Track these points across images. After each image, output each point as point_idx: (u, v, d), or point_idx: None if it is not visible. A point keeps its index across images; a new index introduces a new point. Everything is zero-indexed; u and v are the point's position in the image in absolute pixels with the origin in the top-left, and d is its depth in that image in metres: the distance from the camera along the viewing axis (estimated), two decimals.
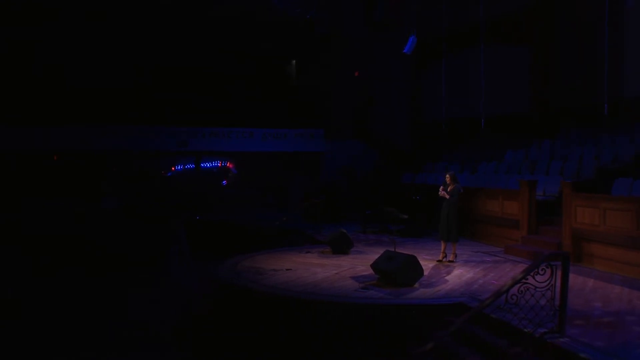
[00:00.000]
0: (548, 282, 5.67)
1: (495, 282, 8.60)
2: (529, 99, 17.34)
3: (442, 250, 10.54)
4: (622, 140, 13.06)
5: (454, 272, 9.57)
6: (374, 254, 10.01)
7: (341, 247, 11.65)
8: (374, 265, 9.03)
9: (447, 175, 10.47)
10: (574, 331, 5.91)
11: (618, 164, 11.89)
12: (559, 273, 5.76)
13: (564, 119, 16.03)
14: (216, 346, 7.63)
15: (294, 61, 23.77)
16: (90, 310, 9.31)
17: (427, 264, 9.77)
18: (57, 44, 19.30)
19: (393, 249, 9.35)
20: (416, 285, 8.48)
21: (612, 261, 9.28)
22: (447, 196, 10.26)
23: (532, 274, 5.67)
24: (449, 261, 10.40)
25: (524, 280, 5.67)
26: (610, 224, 9.27)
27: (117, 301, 9.87)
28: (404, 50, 16.94)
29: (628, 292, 7.86)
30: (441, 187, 10.43)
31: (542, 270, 5.68)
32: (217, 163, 25.61)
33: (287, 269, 9.95)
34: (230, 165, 25.84)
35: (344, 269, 9.93)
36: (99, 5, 19.04)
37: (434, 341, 5.80)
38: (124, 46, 19.83)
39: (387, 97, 21.67)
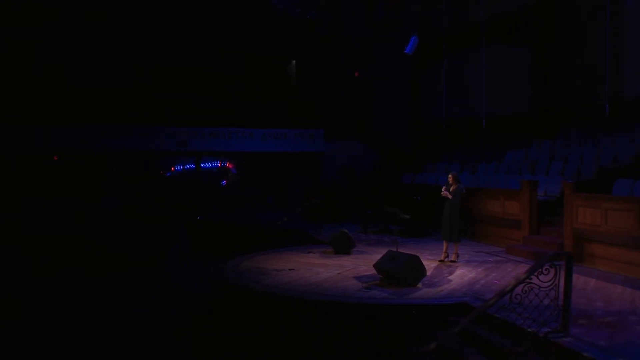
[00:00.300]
0: (552, 282, 5.68)
1: (497, 282, 8.60)
2: (529, 99, 17.34)
3: (444, 250, 10.55)
4: (622, 141, 13.06)
5: (456, 272, 9.57)
6: (376, 254, 10.01)
7: (343, 247, 11.64)
8: (376, 265, 9.02)
9: (450, 176, 10.48)
10: (577, 330, 5.91)
11: (618, 164, 11.90)
12: (562, 273, 5.77)
13: (564, 119, 16.04)
14: (216, 346, 7.61)
15: (294, 61, 23.74)
16: (90, 310, 9.27)
17: (429, 264, 9.78)
18: (57, 44, 19.28)
19: (395, 249, 9.35)
20: (419, 285, 8.48)
21: (614, 261, 9.29)
22: (450, 196, 10.26)
23: (535, 273, 5.68)
24: (451, 261, 10.40)
25: (527, 280, 5.68)
26: (612, 224, 9.28)
27: (117, 301, 9.83)
28: (406, 51, 16.92)
29: (630, 292, 7.88)
30: (444, 187, 10.43)
31: (545, 270, 5.69)
32: (217, 163, 25.56)
33: (289, 269, 9.94)
34: (230, 165, 25.80)
35: (347, 269, 9.93)
36: (99, 5, 19.03)
37: (437, 341, 5.81)
38: (124, 46, 19.81)
39: (387, 97, 21.67)
